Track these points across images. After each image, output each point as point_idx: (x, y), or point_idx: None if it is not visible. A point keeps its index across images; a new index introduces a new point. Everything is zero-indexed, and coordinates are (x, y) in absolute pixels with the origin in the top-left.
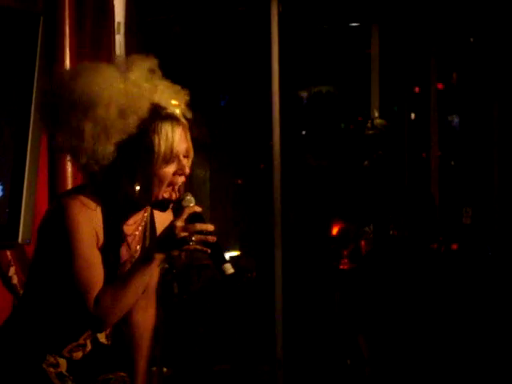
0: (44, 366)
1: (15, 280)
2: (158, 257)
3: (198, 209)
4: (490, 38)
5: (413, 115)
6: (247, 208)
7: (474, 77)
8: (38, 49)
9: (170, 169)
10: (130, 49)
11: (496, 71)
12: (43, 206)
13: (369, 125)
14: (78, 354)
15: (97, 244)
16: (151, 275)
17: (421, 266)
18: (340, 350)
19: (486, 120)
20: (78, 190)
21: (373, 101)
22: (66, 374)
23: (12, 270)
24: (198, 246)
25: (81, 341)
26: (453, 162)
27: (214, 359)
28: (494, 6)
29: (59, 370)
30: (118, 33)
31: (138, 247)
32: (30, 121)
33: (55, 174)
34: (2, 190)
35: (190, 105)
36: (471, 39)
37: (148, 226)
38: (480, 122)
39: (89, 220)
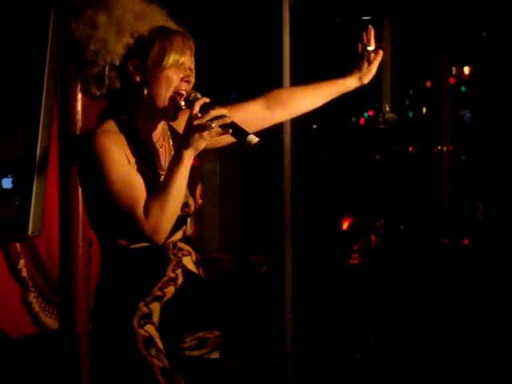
0: (135, 323)
1: (24, 272)
2: (187, 153)
3: (207, 99)
4: (503, 33)
5: (424, 110)
6: (257, 202)
7: (486, 71)
8: (49, 41)
9: (177, 74)
10: None
11: (508, 66)
12: (53, 198)
13: (380, 119)
14: (171, 290)
15: (130, 164)
16: (187, 174)
17: (431, 260)
18: (350, 344)
19: (498, 115)
20: (98, 123)
21: (384, 95)
22: (156, 339)
23: (21, 263)
24: (219, 129)
25: (170, 273)
26: (464, 157)
27: (223, 353)
28: (506, 0)
29: (149, 332)
30: None
31: (169, 158)
32: (41, 115)
33: (65, 165)
34: (12, 182)
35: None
36: (483, 33)
37: (170, 137)
38: (492, 116)
39: (115, 143)
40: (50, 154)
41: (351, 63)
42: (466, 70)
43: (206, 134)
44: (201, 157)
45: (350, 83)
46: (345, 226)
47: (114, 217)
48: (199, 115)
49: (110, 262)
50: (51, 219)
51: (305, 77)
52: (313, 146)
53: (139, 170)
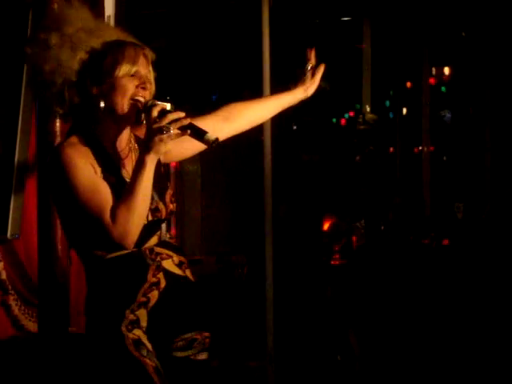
0: (123, 328)
1: (4, 275)
2: (148, 157)
3: (165, 105)
4: (482, 33)
5: (404, 110)
6: (238, 203)
7: (466, 72)
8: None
9: (131, 81)
10: None
11: (488, 66)
12: (32, 201)
13: (360, 120)
14: (154, 294)
15: (96, 173)
16: (150, 178)
17: (412, 261)
18: (331, 345)
19: (478, 115)
20: (65, 139)
21: (364, 96)
22: (145, 341)
23: (1, 266)
24: (178, 131)
25: (151, 278)
26: (445, 158)
27: (211, 354)
28: (485, 0)
29: (137, 334)
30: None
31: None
32: (19, 116)
33: (43, 169)
34: None
35: (182, 99)
36: (463, 33)
37: (136, 146)
38: (472, 117)
39: (81, 154)
40: (28, 158)
41: (330, 63)
42: (446, 70)
43: (165, 137)
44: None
45: (296, 95)
46: (326, 226)
47: (85, 227)
48: (157, 120)
49: (92, 274)
50: (30, 222)
51: (285, 77)
52: (293, 147)
53: (105, 179)
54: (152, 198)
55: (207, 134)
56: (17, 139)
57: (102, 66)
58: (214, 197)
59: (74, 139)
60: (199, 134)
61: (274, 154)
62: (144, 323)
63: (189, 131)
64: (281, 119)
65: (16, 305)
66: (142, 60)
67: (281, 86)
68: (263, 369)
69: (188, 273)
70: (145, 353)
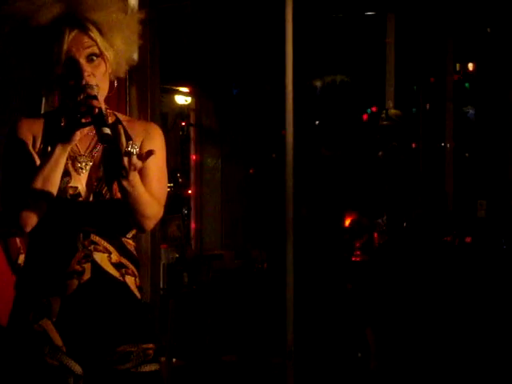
0: (31, 316)
1: None
2: (58, 144)
3: (94, 92)
4: (507, 29)
5: (428, 106)
6: (259, 197)
7: (490, 68)
8: None
9: (68, 74)
10: (142, 35)
11: None
12: None
13: (383, 115)
14: (73, 283)
15: (34, 148)
16: (55, 165)
17: (434, 258)
18: (351, 342)
19: (502, 112)
20: None
21: (388, 91)
22: (52, 334)
23: (21, 258)
24: (87, 120)
25: (74, 265)
26: (467, 154)
27: (224, 350)
28: None
29: (43, 326)
30: None
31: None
32: (42, 104)
33: None
34: None
35: (202, 92)
36: (488, 30)
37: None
38: (495, 113)
39: (27, 126)
40: None
41: (353, 57)
42: (470, 66)
43: (76, 123)
44: (202, 152)
45: None
46: (347, 222)
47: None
48: (79, 106)
49: (28, 246)
50: None
51: (308, 70)
52: (315, 142)
53: (42, 151)
54: (99, 181)
55: (103, 128)
56: None
57: (40, 56)
58: (233, 191)
59: (33, 118)
60: (99, 124)
61: (296, 148)
62: (55, 313)
63: (96, 122)
64: (303, 114)
65: None
66: (78, 40)
67: (303, 79)
68: (283, 364)
69: (129, 280)
70: (46, 350)
